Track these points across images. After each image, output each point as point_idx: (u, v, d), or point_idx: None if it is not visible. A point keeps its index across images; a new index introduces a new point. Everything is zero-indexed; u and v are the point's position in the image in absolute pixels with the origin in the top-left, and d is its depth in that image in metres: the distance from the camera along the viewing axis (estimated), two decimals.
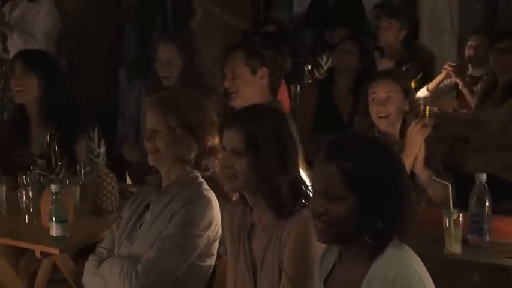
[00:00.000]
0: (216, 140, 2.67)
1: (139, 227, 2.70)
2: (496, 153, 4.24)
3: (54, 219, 2.83)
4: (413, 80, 5.01)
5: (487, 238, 2.80)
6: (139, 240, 2.66)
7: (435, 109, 5.23)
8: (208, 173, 2.74)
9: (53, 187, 2.85)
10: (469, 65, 5.40)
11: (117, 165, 3.40)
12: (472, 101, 5.07)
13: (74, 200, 3.19)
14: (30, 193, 3.16)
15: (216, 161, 2.70)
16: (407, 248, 1.88)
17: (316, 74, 5.79)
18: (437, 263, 1.92)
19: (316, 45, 7.15)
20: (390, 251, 1.86)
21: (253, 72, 3.56)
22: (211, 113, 2.73)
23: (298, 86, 5.82)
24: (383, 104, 3.36)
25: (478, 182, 2.82)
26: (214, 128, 2.68)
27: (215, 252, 2.69)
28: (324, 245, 2.04)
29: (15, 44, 5.55)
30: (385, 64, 5.51)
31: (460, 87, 5.32)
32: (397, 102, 3.36)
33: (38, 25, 5.54)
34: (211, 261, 2.68)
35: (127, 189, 3.55)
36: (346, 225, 1.86)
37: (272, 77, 3.59)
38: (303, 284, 2.25)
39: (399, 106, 3.37)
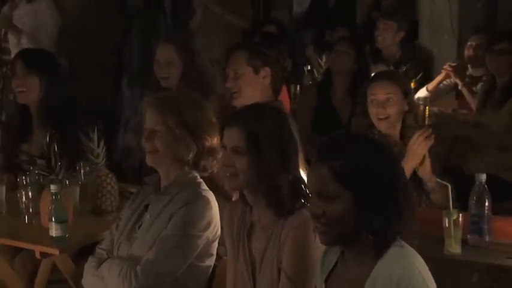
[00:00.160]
0: (215, 141, 2.67)
1: (139, 227, 2.70)
2: (497, 154, 4.24)
3: (53, 219, 2.83)
4: (413, 80, 5.01)
5: (487, 238, 2.80)
6: (138, 241, 2.65)
7: (435, 109, 5.23)
8: (206, 174, 2.74)
9: (52, 187, 2.85)
10: (469, 65, 5.40)
11: (118, 173, 3.40)
12: (471, 101, 5.07)
13: (74, 200, 3.19)
14: (30, 193, 3.16)
15: (215, 162, 2.70)
16: (410, 248, 1.88)
17: (316, 75, 5.79)
18: (437, 264, 1.92)
19: (316, 46, 7.15)
20: (394, 251, 1.86)
21: (256, 72, 3.56)
22: (210, 113, 2.73)
23: (298, 86, 5.82)
24: (382, 105, 3.35)
25: (477, 182, 2.82)
26: (213, 128, 2.68)
27: (214, 252, 2.69)
28: (324, 247, 2.04)
29: (17, 45, 5.56)
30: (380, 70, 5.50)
31: (459, 87, 5.32)
32: (396, 104, 3.35)
33: (38, 26, 5.55)
34: (210, 262, 2.68)
35: (126, 189, 3.55)
36: (345, 223, 1.86)
37: (274, 76, 3.59)
38: (302, 284, 2.25)
39: (399, 107, 3.36)
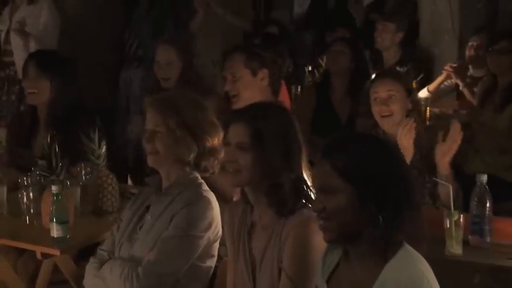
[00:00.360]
0: (216, 141, 2.68)
1: (140, 228, 2.70)
2: (496, 155, 4.24)
3: (54, 220, 2.83)
4: (414, 81, 5.01)
5: (488, 239, 2.80)
6: (139, 242, 2.65)
7: (436, 110, 5.23)
8: (207, 174, 2.74)
9: (53, 188, 2.85)
10: (470, 66, 5.40)
11: (118, 167, 3.40)
12: (473, 101, 5.06)
13: (75, 201, 3.19)
14: (31, 194, 3.17)
15: (216, 162, 2.70)
16: (416, 253, 1.86)
17: (317, 75, 5.80)
18: (438, 264, 1.91)
19: (316, 46, 7.16)
20: (400, 256, 1.84)
21: (254, 74, 3.57)
22: (211, 114, 2.73)
23: (299, 86, 5.83)
24: (385, 103, 3.35)
25: (478, 183, 2.82)
26: (214, 129, 2.69)
27: (215, 253, 2.69)
28: (325, 247, 2.04)
29: (18, 46, 5.56)
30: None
31: (460, 88, 5.32)
32: (399, 101, 3.35)
33: (39, 27, 5.55)
34: (211, 262, 2.67)
35: (127, 190, 3.56)
36: (346, 218, 1.85)
37: (272, 78, 3.60)
38: (302, 283, 2.25)
39: (402, 105, 3.36)
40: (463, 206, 2.89)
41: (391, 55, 5.72)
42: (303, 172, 2.36)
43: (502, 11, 6.36)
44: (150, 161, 2.70)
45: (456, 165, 3.25)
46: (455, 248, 2.75)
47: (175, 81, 4.16)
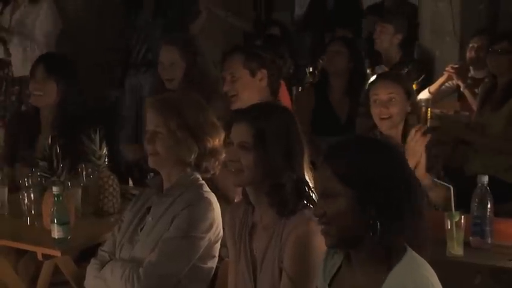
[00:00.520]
0: (217, 142, 2.68)
1: (141, 230, 2.70)
2: (495, 156, 4.24)
3: (55, 221, 2.83)
4: (415, 82, 5.01)
5: (489, 240, 2.80)
6: (140, 243, 2.65)
7: (437, 111, 5.23)
8: (208, 175, 2.74)
9: (54, 189, 2.85)
10: (471, 67, 5.39)
11: (119, 168, 3.41)
12: (474, 103, 5.06)
13: (76, 202, 3.19)
14: (32, 195, 3.17)
15: (217, 163, 2.71)
16: (421, 259, 1.84)
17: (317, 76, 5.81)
18: (439, 266, 1.91)
19: (316, 47, 7.16)
20: (405, 262, 1.82)
21: (253, 74, 3.57)
22: (212, 115, 2.74)
23: (300, 87, 5.83)
24: (385, 105, 3.36)
25: (479, 184, 2.81)
26: (215, 130, 2.69)
27: (216, 254, 2.69)
28: (325, 247, 2.03)
29: (16, 47, 5.56)
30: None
31: (461, 89, 5.31)
32: (399, 104, 3.36)
33: (38, 27, 5.55)
34: (212, 263, 2.67)
35: (128, 191, 3.55)
36: (346, 223, 1.83)
37: (271, 78, 3.60)
38: (303, 284, 2.26)
39: (401, 107, 3.37)
40: (464, 207, 2.89)
41: (391, 56, 5.72)
42: (305, 173, 2.37)
43: (503, 12, 6.37)
44: (151, 162, 2.70)
45: (456, 166, 3.25)
46: (456, 249, 2.75)
47: (179, 82, 4.16)
